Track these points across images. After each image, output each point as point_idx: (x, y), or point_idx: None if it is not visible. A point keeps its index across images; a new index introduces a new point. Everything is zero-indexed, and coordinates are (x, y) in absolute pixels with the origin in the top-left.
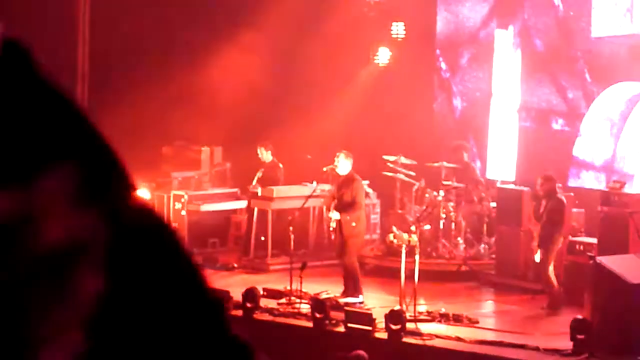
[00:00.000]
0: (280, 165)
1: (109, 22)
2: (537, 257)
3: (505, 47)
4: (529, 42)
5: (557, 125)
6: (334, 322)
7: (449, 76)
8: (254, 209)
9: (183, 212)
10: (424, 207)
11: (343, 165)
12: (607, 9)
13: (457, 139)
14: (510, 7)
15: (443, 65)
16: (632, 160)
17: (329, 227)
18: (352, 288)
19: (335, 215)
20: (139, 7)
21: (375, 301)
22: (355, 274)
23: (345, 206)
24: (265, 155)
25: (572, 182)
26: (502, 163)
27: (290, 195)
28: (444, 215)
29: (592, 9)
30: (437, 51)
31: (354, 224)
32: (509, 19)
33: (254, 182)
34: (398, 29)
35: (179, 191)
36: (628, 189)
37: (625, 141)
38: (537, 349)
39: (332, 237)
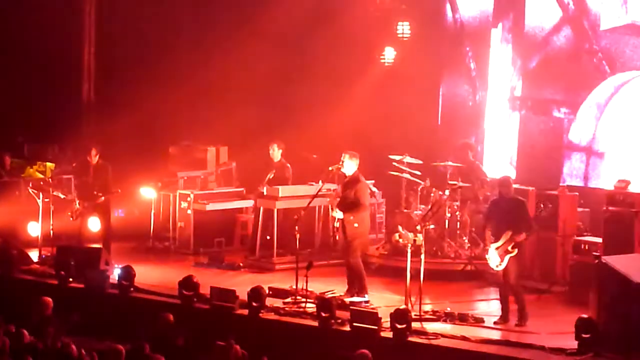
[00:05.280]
0: (289, 166)
1: (115, 23)
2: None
3: (498, 43)
4: (529, 38)
5: (560, 113)
6: (339, 321)
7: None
8: (259, 209)
9: (189, 212)
10: (430, 207)
11: (348, 165)
12: (609, 2)
13: (464, 136)
14: (507, 5)
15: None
16: (606, 140)
17: (333, 226)
18: (357, 288)
19: (338, 214)
20: (144, 8)
21: (380, 300)
22: (360, 273)
23: (348, 206)
24: (276, 153)
25: (566, 167)
26: (498, 155)
27: (296, 194)
28: (449, 215)
29: (600, 3)
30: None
31: (356, 225)
32: (501, 17)
33: (264, 183)
34: (404, 29)
35: (185, 190)
36: (633, 189)
37: (603, 122)
38: (542, 348)
39: (337, 237)
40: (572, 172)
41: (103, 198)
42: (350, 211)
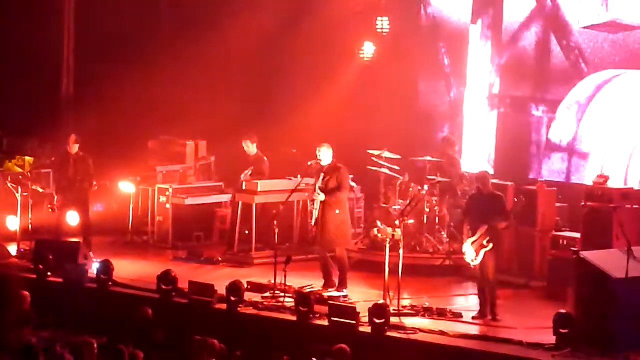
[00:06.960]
0: (265, 159)
1: (94, 18)
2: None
3: (476, 40)
4: (508, 34)
5: (538, 112)
6: (318, 316)
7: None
8: (238, 203)
9: (168, 206)
10: (408, 202)
11: (325, 155)
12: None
13: (441, 132)
14: (487, 1)
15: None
16: (588, 140)
17: (311, 214)
18: (340, 281)
19: (320, 196)
20: (123, 3)
21: (359, 295)
22: (344, 266)
23: (331, 189)
24: (251, 148)
25: (545, 166)
26: (476, 152)
27: (274, 189)
28: (428, 210)
29: (578, 1)
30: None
31: (337, 212)
32: (481, 13)
33: (244, 176)
34: (383, 24)
35: (163, 185)
36: (610, 183)
37: (586, 122)
38: (520, 343)
39: (315, 224)
40: (552, 172)
41: (97, 187)
42: (333, 194)
